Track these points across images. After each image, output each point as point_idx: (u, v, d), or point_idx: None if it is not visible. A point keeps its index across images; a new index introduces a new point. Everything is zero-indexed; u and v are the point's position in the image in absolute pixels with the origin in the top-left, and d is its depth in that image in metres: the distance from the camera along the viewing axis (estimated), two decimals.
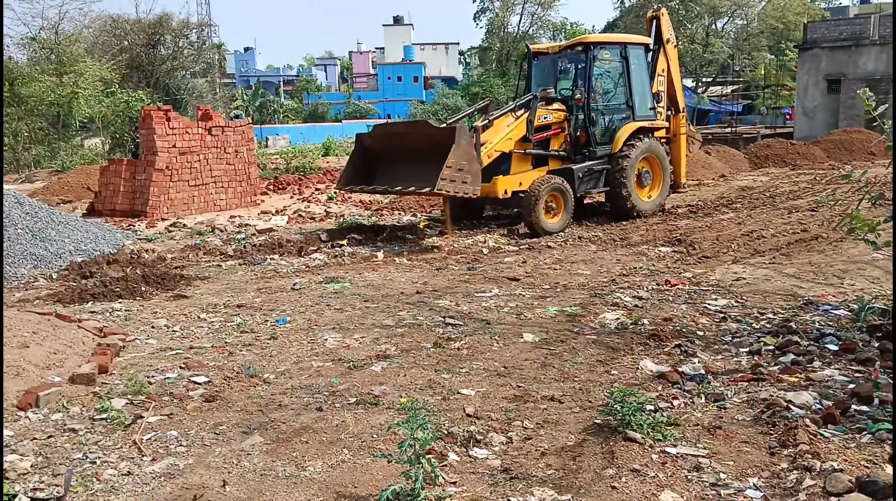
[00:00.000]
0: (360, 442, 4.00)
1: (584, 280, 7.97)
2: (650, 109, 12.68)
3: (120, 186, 13.92)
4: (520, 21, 49.86)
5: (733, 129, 31.94)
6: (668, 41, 13.32)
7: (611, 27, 48.05)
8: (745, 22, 47.30)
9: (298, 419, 4.32)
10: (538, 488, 3.48)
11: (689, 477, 3.52)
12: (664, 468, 3.61)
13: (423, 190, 10.08)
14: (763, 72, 46.68)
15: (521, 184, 11.21)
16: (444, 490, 3.42)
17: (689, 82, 45.94)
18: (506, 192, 11.21)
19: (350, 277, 8.48)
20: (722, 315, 6.34)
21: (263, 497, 3.42)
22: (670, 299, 6.97)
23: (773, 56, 46.70)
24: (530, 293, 7.43)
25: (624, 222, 11.83)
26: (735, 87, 48.85)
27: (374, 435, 4.08)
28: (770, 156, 21.04)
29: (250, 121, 17.06)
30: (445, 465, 3.72)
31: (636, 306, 6.76)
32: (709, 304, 6.72)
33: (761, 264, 8.42)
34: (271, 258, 9.62)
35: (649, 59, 12.93)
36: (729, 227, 10.90)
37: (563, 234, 11.10)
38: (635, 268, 8.46)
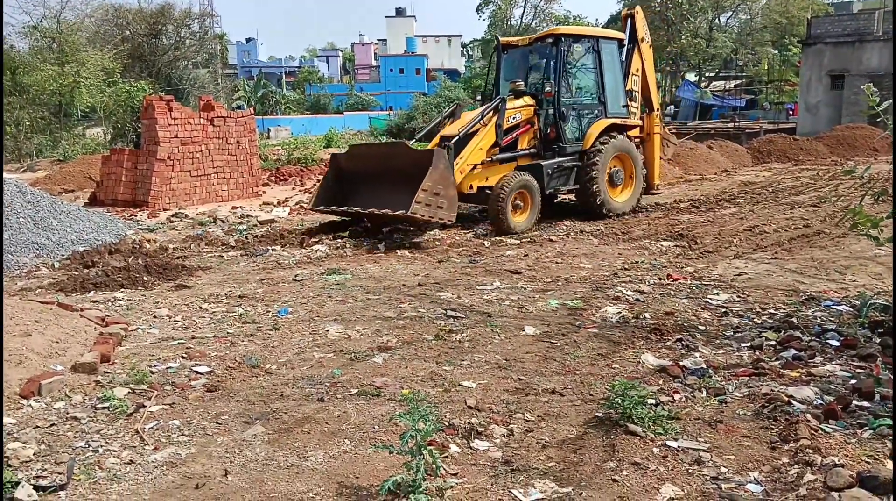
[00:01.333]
0: (361, 433, 4.01)
1: (586, 274, 7.97)
2: (623, 106, 12.41)
3: (122, 175, 13.91)
4: (522, 14, 49.82)
5: (736, 124, 31.88)
6: (642, 40, 13.10)
7: (614, 21, 47.91)
8: (748, 17, 47.20)
9: (300, 409, 4.33)
10: (539, 480, 3.49)
11: (690, 471, 3.53)
12: (665, 461, 3.62)
13: (397, 213, 9.55)
14: (766, 67, 46.57)
15: (487, 179, 10.94)
16: (445, 482, 3.43)
17: (692, 77, 45.88)
18: (471, 187, 10.88)
19: (352, 268, 8.48)
20: (723, 310, 6.34)
21: (265, 487, 3.43)
22: (672, 293, 6.98)
23: (776, 51, 46.60)
24: (532, 286, 7.43)
25: (625, 217, 11.80)
26: (738, 82, 48.75)
27: (376, 426, 4.09)
28: (773, 151, 21.03)
29: (252, 112, 17.04)
30: (447, 457, 3.73)
31: (638, 300, 6.76)
32: (710, 299, 6.72)
33: (763, 259, 8.41)
34: (273, 249, 9.62)
35: (623, 58, 12.69)
36: (731, 222, 10.90)
37: (564, 227, 11.09)
38: (637, 262, 8.46)
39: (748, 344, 5.37)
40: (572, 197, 12.46)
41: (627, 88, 12.66)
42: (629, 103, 12.64)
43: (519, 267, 8.36)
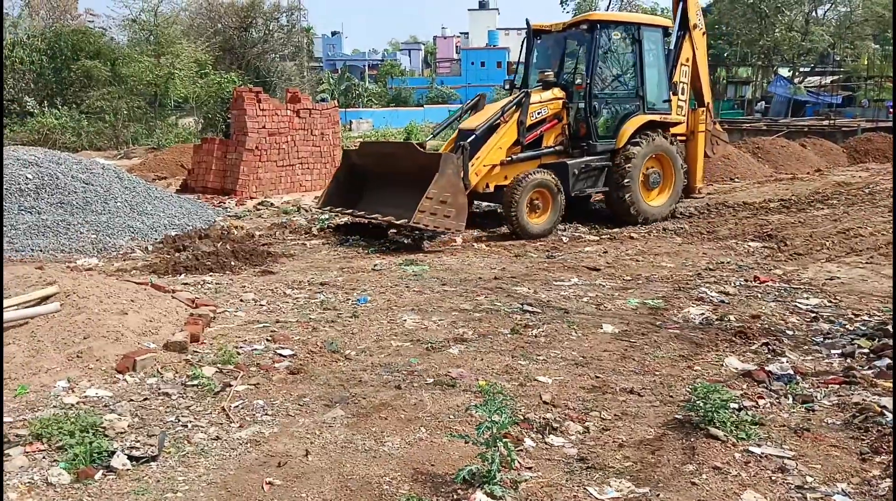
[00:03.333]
0: (437, 422, 4.06)
1: (668, 273, 7.80)
2: (664, 101, 11.35)
3: (212, 164, 14.45)
4: (608, 6, 48.83)
5: (831, 121, 30.43)
6: (694, 27, 11.98)
7: (703, 14, 46.47)
8: (848, 9, 44.88)
9: (378, 395, 4.42)
10: (615, 479, 3.45)
11: (774, 478, 3.42)
12: (747, 467, 3.52)
13: (399, 222, 9.06)
14: (866, 62, 44.21)
15: (506, 177, 10.09)
16: (519, 475, 3.44)
17: (786, 72, 44.07)
18: (487, 186, 10.12)
19: (429, 260, 8.56)
20: (813, 315, 6.10)
21: (344, 469, 3.52)
22: (759, 295, 6.75)
23: (877, 45, 44.16)
24: (611, 284, 7.33)
25: (711, 216, 11.46)
26: (835, 77, 46.46)
27: (451, 416, 4.13)
28: (870, 150, 19.97)
29: (336, 104, 17.39)
30: (521, 450, 3.73)
31: (722, 301, 6.57)
32: (800, 303, 6.47)
33: (857, 263, 8.03)
34: (353, 239, 9.81)
35: (672, 46, 11.74)
36: (824, 223, 10.43)
37: (647, 225, 10.85)
38: (722, 263, 8.22)
39: (839, 351, 5.15)
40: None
41: (675, 80, 11.66)
42: (676, 97, 11.64)
43: (598, 264, 8.26)
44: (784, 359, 5.00)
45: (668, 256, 8.73)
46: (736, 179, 15.91)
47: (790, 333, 5.64)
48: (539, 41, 11.56)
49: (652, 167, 11.04)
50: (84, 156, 15.71)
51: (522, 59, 11.42)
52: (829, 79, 46.39)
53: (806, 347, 5.32)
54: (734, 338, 5.48)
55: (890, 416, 3.93)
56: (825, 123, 30.27)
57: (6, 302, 5.03)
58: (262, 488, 3.34)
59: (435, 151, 9.68)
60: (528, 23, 11.54)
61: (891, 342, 5.15)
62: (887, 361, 4.81)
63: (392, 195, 9.42)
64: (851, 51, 45.52)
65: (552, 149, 10.60)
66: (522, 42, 11.57)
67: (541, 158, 10.48)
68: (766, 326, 5.78)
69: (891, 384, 4.43)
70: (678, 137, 11.71)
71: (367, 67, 73.58)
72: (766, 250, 8.89)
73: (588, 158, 10.58)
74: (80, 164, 10.84)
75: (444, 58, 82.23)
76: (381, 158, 10.32)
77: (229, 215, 11.87)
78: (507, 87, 11.67)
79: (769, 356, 5.10)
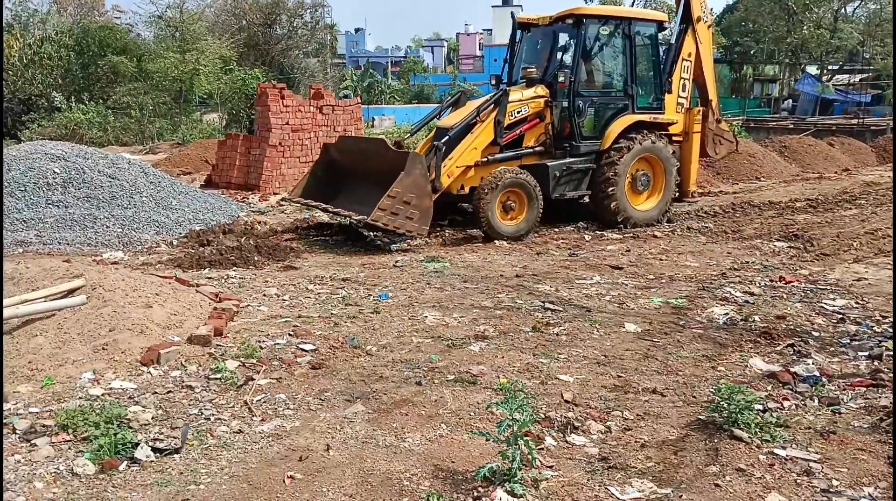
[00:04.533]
0: (457, 419, 4.05)
1: (692, 272, 7.72)
2: (656, 99, 10.77)
3: (235, 160, 14.54)
4: (633, 3, 48.47)
5: (860, 120, 29.94)
6: (698, 20, 11.28)
7: (729, 11, 45.97)
8: (878, 6, 44.11)
9: (399, 391, 4.42)
10: (637, 479, 3.42)
11: (799, 481, 3.38)
12: (772, 469, 3.48)
13: (358, 218, 8.78)
14: None
15: (481, 178, 9.58)
16: (540, 473, 3.42)
17: (814, 70, 43.42)
18: (462, 188, 9.71)
19: (450, 257, 8.56)
20: (840, 316, 6.01)
21: (365, 464, 3.53)
22: (784, 296, 6.67)
23: None
24: (633, 283, 7.27)
25: (736, 215, 11.32)
26: (864, 76, 45.70)
27: (472, 413, 4.13)
28: None
29: (359, 101, 17.42)
30: (542, 449, 3.72)
31: (747, 301, 6.50)
32: (826, 303, 6.38)
33: (886, 264, 7.89)
34: (375, 235, 9.82)
35: (672, 40, 11.27)
36: (851, 224, 10.27)
37: (670, 223, 10.75)
38: (747, 262, 8.13)
39: (866, 353, 5.06)
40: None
41: (675, 77, 11.05)
42: (676, 95, 11.04)
43: (620, 262, 8.20)
44: (810, 361, 4.93)
45: (692, 255, 8.65)
46: (762, 178, 15.72)
47: (816, 334, 5.56)
48: (529, 34, 11.08)
49: (640, 169, 10.53)
50: (110, 151, 15.90)
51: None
52: (857, 77, 45.67)
53: (832, 348, 5.24)
54: (759, 339, 5.41)
55: None
56: (854, 121, 29.79)
57: (34, 294, 5.11)
58: (284, 482, 3.36)
59: (405, 150, 9.34)
60: (513, 16, 11.07)
61: None
62: None
63: (365, 192, 9.11)
64: (881, 49, 44.73)
65: (532, 149, 10.13)
66: (512, 35, 11.16)
67: (521, 158, 10.02)
68: (792, 327, 5.71)
69: None
70: (674, 138, 11.10)
71: (389, 64, 73.64)
72: (791, 250, 8.77)
73: (570, 159, 10.14)
74: (106, 159, 10.97)
75: (466, 54, 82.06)
76: (357, 154, 10.00)
77: (253, 211, 11.94)
78: (492, 82, 11.16)
79: (794, 357, 5.04)
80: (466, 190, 9.75)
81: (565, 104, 10.10)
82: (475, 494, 3.23)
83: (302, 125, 14.62)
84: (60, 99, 25.56)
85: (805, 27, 40.05)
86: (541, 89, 10.16)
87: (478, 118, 9.67)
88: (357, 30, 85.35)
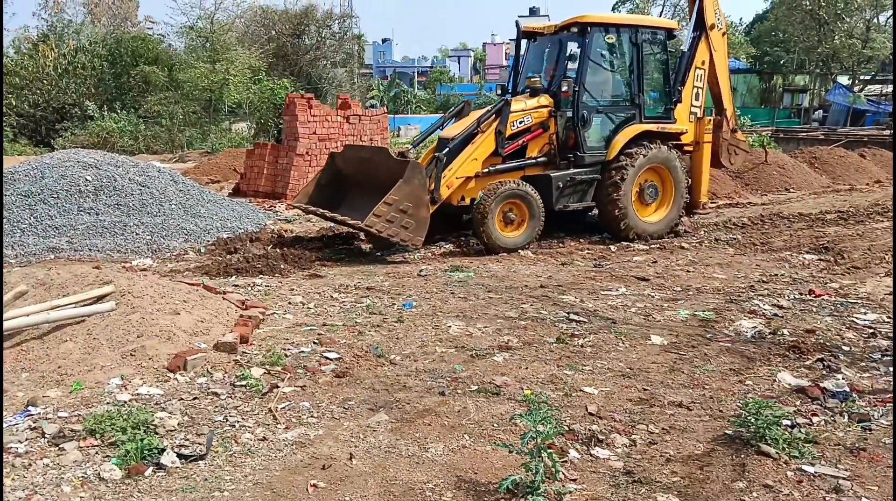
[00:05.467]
0: (480, 430, 4.04)
1: (720, 284, 7.63)
2: (666, 109, 10.56)
3: (263, 168, 14.71)
4: (661, 13, 48.22)
5: (892, 131, 29.43)
6: (712, 27, 10.97)
7: (759, 20, 45.55)
8: None
9: (422, 401, 4.42)
10: (662, 494, 3.38)
11: (827, 499, 3.32)
12: (800, 486, 3.42)
13: (352, 222, 8.67)
14: None
15: (482, 190, 9.41)
16: (563, 486, 3.40)
17: (846, 80, 42.82)
18: (462, 198, 9.54)
19: (475, 267, 8.55)
20: (871, 331, 5.89)
21: (387, 474, 3.53)
22: (814, 310, 6.56)
23: None
24: (660, 295, 7.21)
25: (765, 227, 11.19)
26: None
27: (495, 424, 4.11)
28: None
29: (385, 110, 17.53)
30: (566, 461, 3.69)
31: (775, 315, 6.40)
32: (857, 318, 6.26)
33: None
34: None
35: (685, 48, 11.04)
36: (883, 236, 10.09)
37: (698, 235, 10.64)
38: (776, 275, 8.02)
39: None
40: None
41: (689, 84, 10.78)
42: (688, 104, 10.80)
43: (647, 274, 8.13)
44: (839, 376, 4.84)
45: (719, 267, 8.55)
46: (791, 190, 15.51)
47: (846, 349, 5.46)
48: (535, 43, 10.91)
49: (649, 180, 10.29)
50: (141, 159, 16.17)
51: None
52: (890, 87, 44.93)
53: (863, 364, 5.15)
54: (787, 353, 5.33)
55: None
56: (886, 132, 29.29)
57: (65, 300, 5.20)
58: (307, 490, 3.37)
59: (405, 159, 9.14)
60: (517, 24, 10.70)
61: None
62: None
63: (366, 201, 8.92)
64: None
65: (536, 160, 9.92)
66: (517, 44, 10.90)
67: (524, 169, 9.83)
68: (822, 341, 5.62)
69: None
70: (685, 148, 10.83)
71: (416, 74, 73.99)
72: (821, 263, 8.64)
73: (574, 170, 9.90)
74: (137, 167, 11.15)
75: (493, 64, 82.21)
76: (360, 163, 9.82)
77: (279, 219, 12.05)
78: (498, 92, 10.94)
79: (824, 372, 4.95)
80: (467, 201, 9.63)
81: (570, 114, 9.91)
82: None
83: (329, 135, 14.75)
84: (93, 108, 26.08)
85: (836, 37, 39.55)
86: (545, 99, 10.01)
87: (478, 129, 9.56)
88: (384, 40, 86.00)
